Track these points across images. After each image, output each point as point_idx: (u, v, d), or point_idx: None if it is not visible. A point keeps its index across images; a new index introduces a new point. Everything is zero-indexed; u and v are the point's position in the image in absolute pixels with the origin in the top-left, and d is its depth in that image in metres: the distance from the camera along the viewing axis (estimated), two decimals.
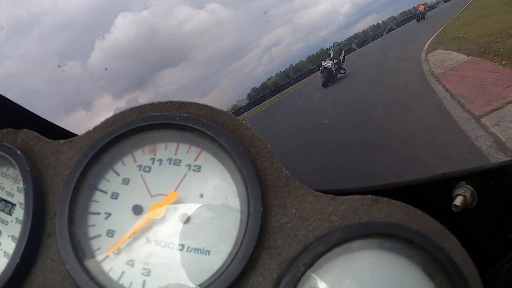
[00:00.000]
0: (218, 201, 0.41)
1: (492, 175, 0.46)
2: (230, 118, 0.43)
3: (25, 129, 0.51)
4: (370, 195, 0.42)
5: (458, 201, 0.46)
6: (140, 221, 0.42)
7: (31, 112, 0.57)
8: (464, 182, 0.47)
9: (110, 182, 0.44)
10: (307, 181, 0.42)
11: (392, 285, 0.42)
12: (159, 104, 0.44)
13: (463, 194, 0.46)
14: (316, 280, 0.41)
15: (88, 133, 0.46)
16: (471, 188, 0.47)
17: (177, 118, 0.42)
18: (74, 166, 0.44)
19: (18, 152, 0.49)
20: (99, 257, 0.43)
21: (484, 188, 0.46)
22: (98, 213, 0.44)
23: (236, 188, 0.41)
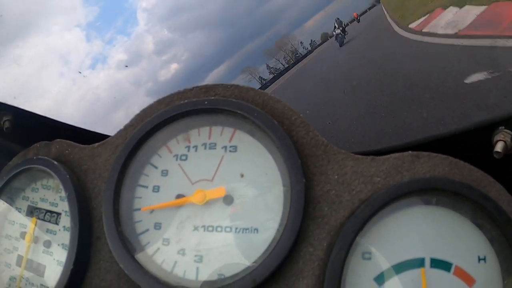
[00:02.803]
0: (259, 178, 0.41)
1: None
2: (258, 93, 0.43)
3: (58, 140, 0.52)
4: (410, 151, 0.42)
5: (499, 147, 0.44)
6: (185, 209, 0.43)
7: (61, 122, 0.58)
8: (503, 127, 0.45)
9: (150, 176, 0.45)
10: (344, 145, 0.42)
11: (442, 238, 0.41)
12: (185, 91, 0.45)
13: (503, 139, 0.45)
14: (367, 244, 0.41)
15: (120, 132, 0.47)
16: (511, 132, 0.45)
17: (206, 102, 0.42)
18: (112, 167, 0.45)
19: (55, 162, 0.50)
20: (150, 251, 0.44)
21: None
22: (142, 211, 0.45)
23: (275, 162, 0.41)
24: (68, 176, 0.48)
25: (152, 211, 0.45)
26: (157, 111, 0.44)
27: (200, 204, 0.42)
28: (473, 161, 0.44)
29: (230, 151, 0.43)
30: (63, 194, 0.49)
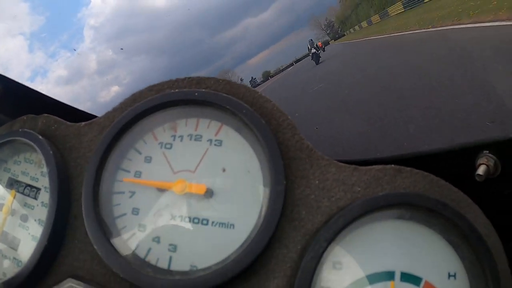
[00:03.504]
0: (241, 174, 0.42)
1: None
2: (249, 91, 0.43)
3: (45, 114, 0.52)
4: (393, 165, 0.42)
5: (481, 170, 0.45)
6: (164, 197, 0.42)
7: (50, 97, 0.57)
8: (487, 151, 0.46)
9: (133, 161, 0.45)
10: (329, 152, 0.42)
11: (414, 253, 0.42)
12: (177, 80, 0.44)
13: (486, 163, 0.46)
14: (339, 253, 0.41)
15: (108, 113, 0.46)
16: (494, 157, 0.46)
17: (196, 94, 0.42)
18: (96, 148, 0.45)
19: (40, 137, 0.50)
20: (126, 236, 0.44)
21: (508, 157, 0.45)
22: (123, 192, 0.45)
23: (258, 161, 0.41)
24: (51, 152, 0.48)
25: (132, 195, 0.44)
26: (146, 97, 0.44)
27: (180, 194, 0.42)
28: (455, 182, 0.44)
29: (215, 144, 0.43)
30: (44, 169, 0.49)
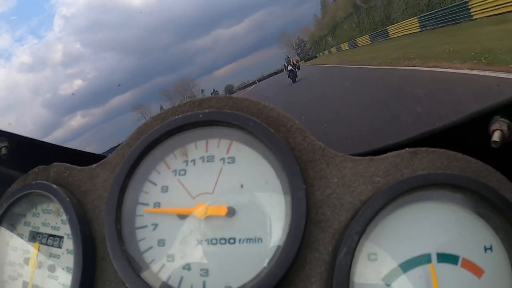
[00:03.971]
0: (259, 187, 0.41)
1: None
2: (253, 103, 0.43)
3: (56, 163, 0.52)
4: (407, 148, 0.42)
5: (496, 136, 0.44)
6: (187, 224, 0.42)
7: (57, 145, 0.58)
8: (499, 116, 0.45)
9: (150, 193, 0.45)
10: (341, 148, 0.42)
11: (447, 232, 0.41)
12: (179, 106, 0.45)
13: (500, 128, 0.45)
14: (372, 245, 0.41)
15: (117, 151, 0.47)
16: (507, 121, 0.45)
17: (201, 116, 0.42)
18: (111, 187, 0.45)
19: (54, 186, 0.50)
20: (155, 269, 0.43)
21: None
22: (145, 226, 0.44)
23: (274, 170, 0.41)
24: (68, 199, 0.48)
25: (155, 227, 0.44)
26: (152, 128, 0.44)
27: (202, 218, 0.42)
28: (472, 153, 0.44)
29: (228, 162, 0.43)
30: (64, 217, 0.49)
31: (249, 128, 0.40)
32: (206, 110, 0.43)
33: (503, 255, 0.40)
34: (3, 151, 0.58)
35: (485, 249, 0.40)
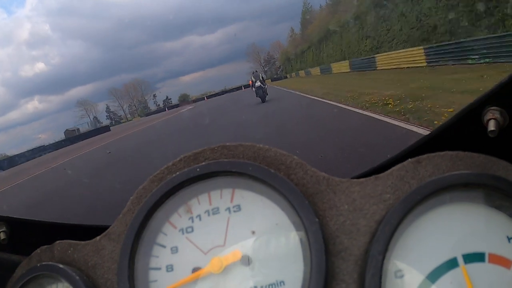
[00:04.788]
0: (271, 230, 0.40)
1: (510, 88, 0.44)
2: (247, 147, 0.42)
3: (58, 241, 0.50)
4: (409, 159, 0.41)
5: (491, 125, 0.44)
6: (205, 283, 0.41)
7: (57, 222, 0.56)
8: (489, 106, 0.45)
9: (160, 257, 0.43)
10: (342, 174, 0.41)
11: (467, 232, 0.40)
12: (174, 164, 0.44)
13: (493, 117, 0.45)
14: (396, 262, 0.40)
15: (119, 220, 0.45)
16: (498, 108, 0.46)
17: (198, 169, 0.41)
18: (119, 257, 0.43)
19: (60, 266, 0.48)
20: None
21: (510, 102, 0.45)
22: None
23: (282, 210, 0.40)
24: (77, 277, 0.46)
25: None
26: (151, 190, 0.43)
27: (218, 272, 0.40)
28: (472, 148, 0.43)
29: (234, 211, 0.42)
30: None
31: (249, 172, 0.40)
32: (203, 163, 0.42)
33: None
34: (2, 236, 0.55)
35: (509, 239, 0.40)
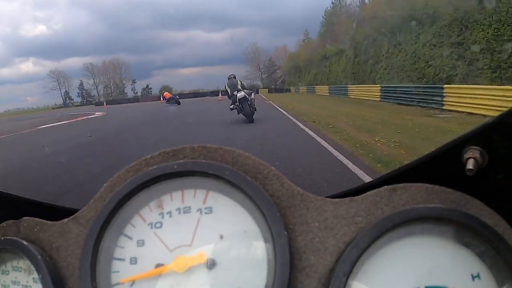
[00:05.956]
0: (239, 236, 0.40)
1: (494, 129, 0.45)
2: (227, 152, 0.42)
3: (25, 218, 0.49)
4: (386, 186, 0.42)
5: (470, 164, 0.45)
6: (167, 279, 0.40)
7: (26, 198, 0.55)
8: (471, 145, 0.46)
9: (125, 248, 0.43)
10: (318, 192, 0.42)
11: (433, 265, 0.41)
12: (152, 157, 0.43)
13: (473, 156, 0.46)
14: (360, 284, 0.40)
15: (90, 205, 0.44)
16: (479, 148, 0.46)
17: (175, 166, 0.41)
18: (85, 242, 0.43)
19: (24, 242, 0.47)
20: None
21: (491, 143, 0.46)
22: (121, 284, 0.42)
23: (253, 218, 0.40)
24: (39, 257, 0.45)
25: (132, 284, 0.42)
26: (126, 180, 0.43)
27: (181, 271, 0.40)
28: (449, 184, 0.44)
29: (205, 213, 0.41)
30: (36, 275, 0.46)
31: (225, 177, 0.39)
32: (181, 161, 0.42)
33: (492, 281, 0.40)
34: None
35: (473, 277, 0.40)
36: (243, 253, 0.40)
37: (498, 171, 0.48)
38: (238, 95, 7.28)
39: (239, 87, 7.66)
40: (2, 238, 0.50)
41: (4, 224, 0.51)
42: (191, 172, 0.41)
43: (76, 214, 0.45)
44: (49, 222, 0.47)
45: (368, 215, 0.41)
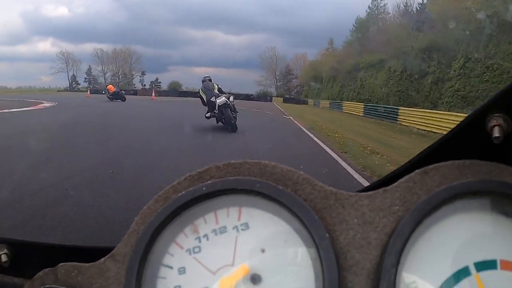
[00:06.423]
0: (280, 247, 0.40)
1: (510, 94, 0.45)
2: (253, 164, 0.42)
3: (61, 263, 0.49)
4: (416, 170, 0.41)
5: (495, 132, 0.44)
6: None
7: (59, 244, 0.55)
8: (493, 113, 0.46)
9: (167, 278, 0.42)
10: (349, 188, 0.40)
11: (477, 240, 0.40)
12: (179, 183, 0.43)
13: (497, 123, 0.45)
14: (408, 275, 0.39)
15: (124, 240, 0.44)
16: (502, 115, 0.46)
17: (204, 188, 0.41)
18: (125, 279, 0.42)
19: None
20: None
21: None
22: None
23: (291, 227, 0.40)
24: None
25: None
26: (156, 210, 0.42)
27: None
28: (478, 155, 0.43)
29: (242, 229, 0.41)
30: None
31: (256, 189, 0.39)
32: (209, 182, 0.41)
33: None
34: (3, 258, 0.54)
35: None
36: (288, 263, 0.39)
37: None
38: (218, 101, 6.21)
39: (216, 91, 6.59)
40: (42, 287, 0.50)
41: (41, 273, 0.51)
42: (220, 191, 0.41)
43: (112, 252, 0.45)
44: (86, 264, 0.47)
45: (404, 202, 0.40)
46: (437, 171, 0.41)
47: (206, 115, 6.78)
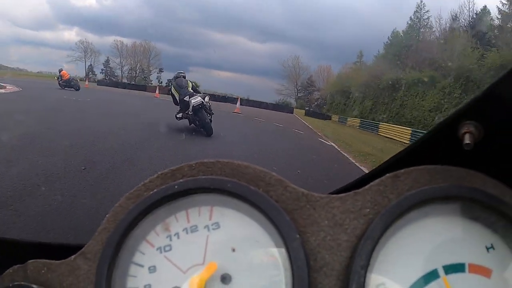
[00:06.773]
0: (251, 247, 0.40)
1: (484, 101, 0.46)
2: (225, 164, 0.42)
3: (31, 260, 0.48)
4: (387, 174, 0.42)
5: (466, 139, 0.45)
6: None
7: (28, 241, 0.54)
8: (464, 120, 0.47)
9: (138, 276, 0.42)
10: (319, 190, 0.41)
11: (446, 244, 0.41)
12: (151, 181, 0.43)
13: (468, 130, 0.46)
14: (377, 276, 0.40)
15: (95, 238, 0.44)
16: (473, 122, 0.47)
17: (176, 187, 0.40)
18: (95, 277, 0.42)
19: (34, 286, 0.46)
20: None
21: (484, 116, 0.46)
22: None
23: (261, 227, 0.40)
24: None
25: None
26: (127, 208, 0.42)
27: None
28: (449, 161, 0.44)
29: (213, 229, 0.41)
30: None
31: (228, 189, 0.39)
32: (181, 180, 0.41)
33: (506, 250, 0.40)
34: None
35: (487, 248, 0.41)
36: (258, 263, 0.39)
37: (496, 141, 0.49)
38: (193, 101, 5.31)
39: (190, 89, 5.64)
40: (11, 285, 0.48)
41: (10, 270, 0.50)
42: (192, 190, 0.40)
43: (83, 249, 0.44)
44: (56, 261, 0.46)
45: (375, 205, 0.41)
46: (408, 175, 0.42)
47: (177, 116, 5.94)
